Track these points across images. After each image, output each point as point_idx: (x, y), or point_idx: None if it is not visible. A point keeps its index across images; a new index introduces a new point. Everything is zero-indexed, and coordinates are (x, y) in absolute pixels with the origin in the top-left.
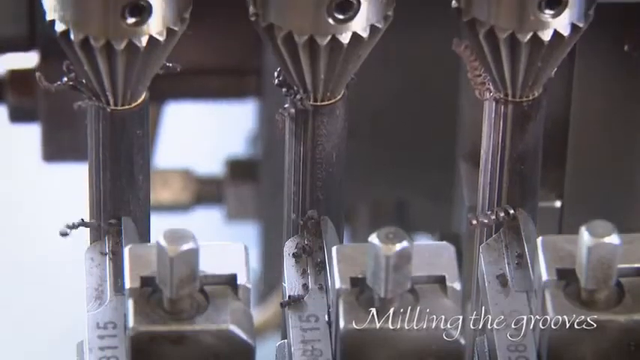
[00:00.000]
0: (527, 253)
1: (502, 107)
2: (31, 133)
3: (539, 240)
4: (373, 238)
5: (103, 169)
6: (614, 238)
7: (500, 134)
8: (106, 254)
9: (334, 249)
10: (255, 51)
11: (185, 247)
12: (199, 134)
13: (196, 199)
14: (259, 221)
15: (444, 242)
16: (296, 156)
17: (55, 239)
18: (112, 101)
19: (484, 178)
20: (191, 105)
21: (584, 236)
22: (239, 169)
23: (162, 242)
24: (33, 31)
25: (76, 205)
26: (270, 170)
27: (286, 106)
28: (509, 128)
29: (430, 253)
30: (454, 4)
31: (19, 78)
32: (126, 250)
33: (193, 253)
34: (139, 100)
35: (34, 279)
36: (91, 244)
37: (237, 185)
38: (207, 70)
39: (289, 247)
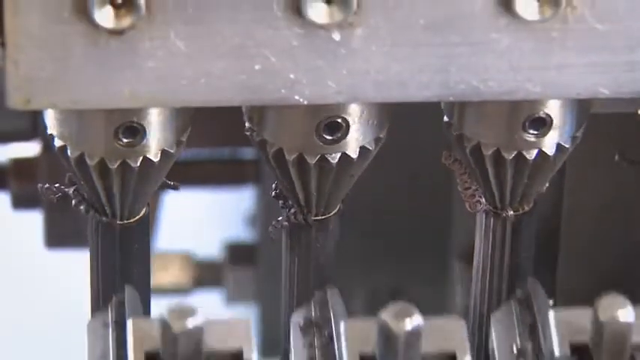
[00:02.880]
0: (539, 324)
1: (492, 220)
2: (34, 220)
3: (551, 314)
4: (383, 315)
5: (104, 279)
6: (628, 313)
7: (491, 246)
8: (109, 326)
9: (343, 323)
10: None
11: (190, 323)
12: (199, 219)
13: (196, 282)
14: (258, 304)
15: (455, 316)
16: (291, 264)
17: (57, 325)
18: (110, 215)
19: (476, 286)
20: (191, 191)
21: (598, 310)
22: (238, 253)
23: (167, 318)
24: (35, 122)
25: (79, 291)
26: (269, 254)
27: (280, 219)
28: (498, 241)
29: (440, 329)
30: (445, 118)
31: (21, 166)
32: (129, 324)
33: (198, 330)
34: (138, 216)
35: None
36: (92, 315)
37: (236, 269)
38: (206, 158)
39: (297, 319)
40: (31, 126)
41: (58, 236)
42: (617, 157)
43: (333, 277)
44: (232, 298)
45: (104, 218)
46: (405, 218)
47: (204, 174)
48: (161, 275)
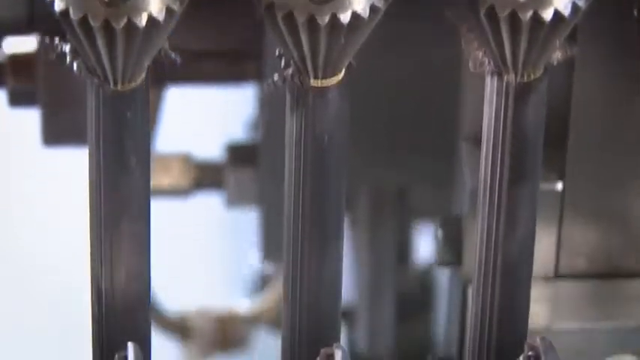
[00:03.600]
0: None
1: (497, 81)
2: (31, 117)
3: None
4: None
5: (104, 150)
6: None
7: (495, 110)
8: None
9: None
10: (256, 35)
11: None
12: (199, 119)
13: (196, 184)
14: (259, 206)
15: None
16: (290, 132)
17: (55, 224)
18: (102, 77)
19: (485, 155)
20: (191, 90)
21: None
22: (239, 154)
23: None
24: (32, 14)
25: (77, 189)
26: (270, 155)
27: (276, 77)
28: (502, 104)
29: None
30: None
31: (18, 62)
32: None
33: None
34: (134, 83)
35: (33, 267)
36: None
37: (237, 170)
38: (207, 53)
39: None
40: (28, 19)
41: (56, 133)
42: (635, 13)
43: (332, 149)
44: (233, 200)
45: (95, 80)
46: (409, 109)
47: (204, 70)
48: (160, 177)
